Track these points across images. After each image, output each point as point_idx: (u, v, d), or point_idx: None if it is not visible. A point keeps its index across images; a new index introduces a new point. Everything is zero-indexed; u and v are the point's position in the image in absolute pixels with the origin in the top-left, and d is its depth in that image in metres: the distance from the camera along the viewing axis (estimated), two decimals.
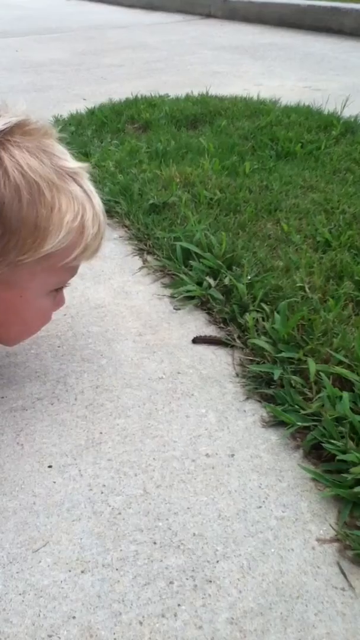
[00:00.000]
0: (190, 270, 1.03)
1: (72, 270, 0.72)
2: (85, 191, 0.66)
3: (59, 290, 0.74)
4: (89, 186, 0.67)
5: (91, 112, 1.97)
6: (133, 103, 2.04)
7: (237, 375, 0.82)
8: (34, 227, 0.61)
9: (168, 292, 1.02)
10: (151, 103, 2.03)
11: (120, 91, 2.29)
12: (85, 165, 0.68)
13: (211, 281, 0.98)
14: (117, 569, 0.57)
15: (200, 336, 0.89)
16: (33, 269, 0.65)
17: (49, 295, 0.72)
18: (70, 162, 0.66)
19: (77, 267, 0.73)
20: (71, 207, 0.63)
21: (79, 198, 0.65)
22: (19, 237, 0.60)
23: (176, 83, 2.53)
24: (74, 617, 0.52)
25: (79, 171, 0.66)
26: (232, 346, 0.87)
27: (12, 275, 0.64)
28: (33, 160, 0.61)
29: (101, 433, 0.72)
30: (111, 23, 4.95)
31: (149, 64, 3.04)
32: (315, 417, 0.70)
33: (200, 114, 1.89)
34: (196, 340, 0.88)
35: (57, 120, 1.89)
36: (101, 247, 0.71)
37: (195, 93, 2.16)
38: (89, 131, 1.78)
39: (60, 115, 1.94)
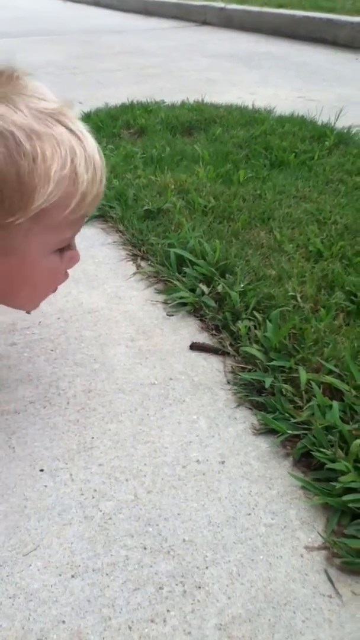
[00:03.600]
0: (184, 276, 1.04)
1: (74, 226, 0.65)
2: (73, 132, 0.58)
3: (65, 248, 0.67)
4: (79, 126, 0.59)
5: (87, 116, 1.98)
6: (129, 108, 2.05)
7: (229, 382, 0.83)
8: (17, 182, 0.54)
9: (161, 298, 1.02)
10: (147, 109, 2.04)
11: (116, 96, 2.29)
12: (69, 100, 0.60)
13: (204, 288, 0.99)
14: (107, 574, 0.57)
15: (197, 343, 0.89)
16: (28, 230, 0.59)
17: (54, 255, 0.66)
18: (50, 103, 0.58)
19: (80, 221, 0.66)
20: (57, 154, 0.56)
21: (66, 142, 0.57)
22: (2, 196, 0.55)
23: (172, 89, 2.54)
24: (63, 622, 0.53)
25: (62, 110, 0.58)
26: (224, 353, 0.88)
27: (8, 240, 0.59)
28: (2, 107, 0.54)
29: (93, 438, 0.73)
30: (107, 27, 4.96)
31: (145, 70, 3.05)
32: (306, 426, 0.71)
33: (195, 121, 1.90)
34: (193, 347, 0.89)
35: None
36: (102, 193, 0.64)
37: (191, 100, 2.17)
38: None
39: None
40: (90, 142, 0.60)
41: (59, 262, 0.67)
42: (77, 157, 0.58)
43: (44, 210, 0.57)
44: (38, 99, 0.57)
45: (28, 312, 0.81)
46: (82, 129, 0.60)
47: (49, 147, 0.56)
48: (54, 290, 0.74)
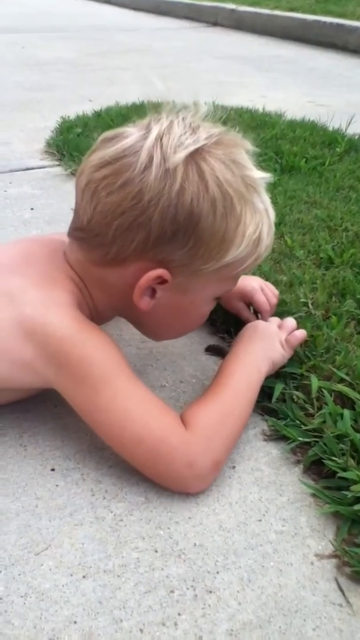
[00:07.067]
0: None
1: (236, 280, 0.74)
2: (263, 202, 0.67)
3: (219, 298, 0.76)
4: (266, 198, 0.68)
5: (97, 115, 1.98)
6: (140, 107, 2.05)
7: None
8: (221, 239, 0.63)
9: None
10: (158, 109, 2.04)
11: (127, 94, 2.29)
12: (268, 175, 0.69)
13: None
14: (118, 576, 0.57)
15: (213, 345, 0.89)
16: (209, 277, 0.66)
17: (212, 302, 0.74)
18: (255, 173, 0.67)
19: (240, 276, 0.74)
20: (254, 220, 0.65)
21: (260, 211, 0.66)
22: (206, 247, 0.63)
23: (181, 90, 2.53)
24: (75, 622, 0.53)
25: (260, 182, 0.68)
26: None
27: (190, 282, 0.66)
28: (228, 172, 0.63)
29: None
30: (118, 25, 4.96)
31: (155, 69, 3.05)
32: (317, 434, 0.71)
33: None
34: (208, 350, 0.89)
35: (64, 121, 1.90)
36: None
37: (202, 102, 2.17)
38: (95, 134, 1.78)
39: (68, 116, 1.94)
40: (272, 213, 0.69)
41: (209, 310, 0.75)
42: (264, 225, 0.66)
43: (227, 264, 0.65)
44: (247, 168, 0.65)
45: (157, 341, 0.86)
46: (268, 200, 0.68)
47: (250, 213, 0.64)
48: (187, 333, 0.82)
